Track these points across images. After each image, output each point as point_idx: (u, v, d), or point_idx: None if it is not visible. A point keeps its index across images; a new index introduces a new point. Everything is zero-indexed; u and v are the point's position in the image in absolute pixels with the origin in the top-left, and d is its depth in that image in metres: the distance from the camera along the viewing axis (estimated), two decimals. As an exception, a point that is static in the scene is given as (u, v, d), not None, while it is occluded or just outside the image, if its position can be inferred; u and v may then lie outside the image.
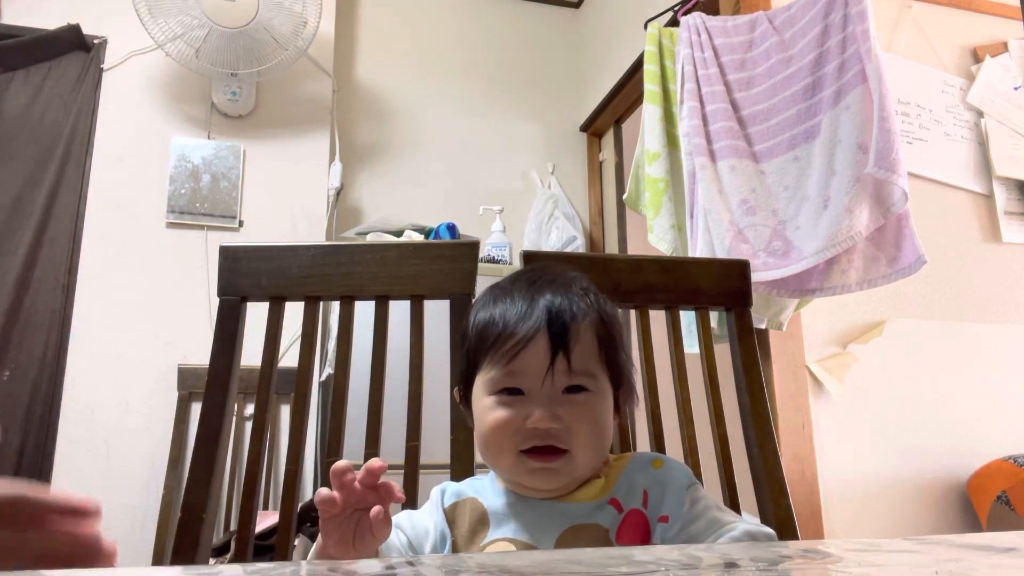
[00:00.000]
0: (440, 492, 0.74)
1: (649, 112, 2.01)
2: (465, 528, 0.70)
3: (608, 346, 0.68)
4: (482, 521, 0.69)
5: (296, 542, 1.60)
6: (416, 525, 0.71)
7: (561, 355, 0.64)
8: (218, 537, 1.98)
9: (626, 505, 0.66)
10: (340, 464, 0.58)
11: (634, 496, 0.67)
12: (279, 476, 2.23)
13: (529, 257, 1.01)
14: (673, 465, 0.70)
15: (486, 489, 0.72)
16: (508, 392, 0.66)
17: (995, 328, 2.11)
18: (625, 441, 0.94)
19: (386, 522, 0.57)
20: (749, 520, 0.68)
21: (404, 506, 0.89)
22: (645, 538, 0.65)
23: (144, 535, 2.10)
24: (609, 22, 3.11)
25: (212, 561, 1.53)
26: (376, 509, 0.57)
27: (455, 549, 0.69)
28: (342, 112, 2.86)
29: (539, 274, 0.72)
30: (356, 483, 0.57)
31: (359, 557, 0.58)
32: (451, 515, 0.71)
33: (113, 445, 2.23)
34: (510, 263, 2.67)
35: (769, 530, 0.65)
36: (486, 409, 0.67)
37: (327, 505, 0.58)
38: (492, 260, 2.68)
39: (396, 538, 0.70)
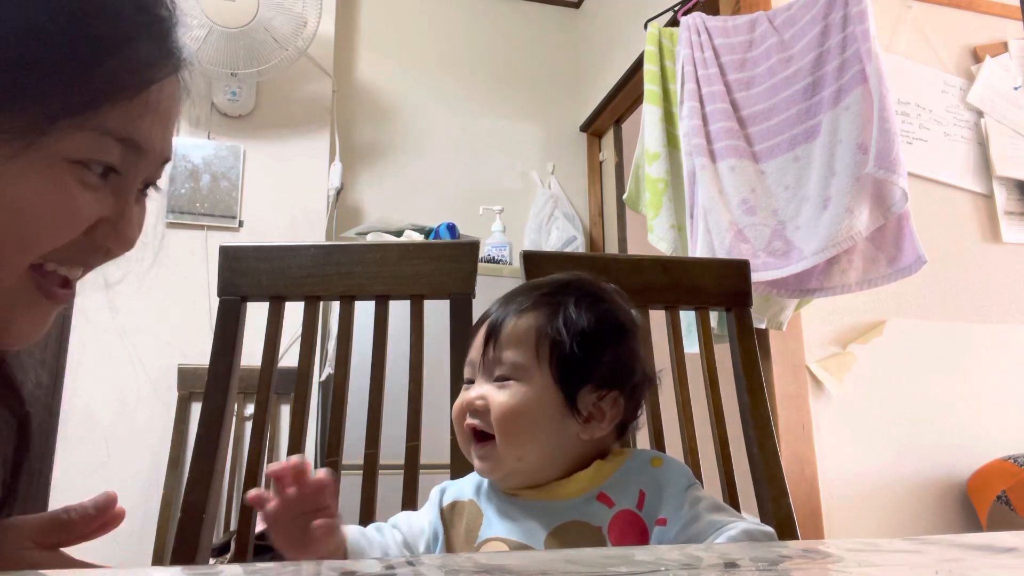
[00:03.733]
0: (439, 492, 0.75)
1: (649, 112, 2.01)
2: (462, 528, 0.70)
3: (556, 350, 0.69)
4: (477, 521, 0.70)
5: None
6: (412, 524, 0.73)
7: (491, 344, 0.71)
8: (218, 537, 1.98)
9: (618, 502, 0.66)
10: (273, 468, 0.61)
11: (628, 495, 0.66)
12: (279, 476, 2.22)
13: (529, 257, 1.01)
14: (672, 465, 0.70)
15: (483, 488, 0.73)
16: (466, 381, 0.74)
17: (995, 328, 2.11)
18: (625, 441, 0.94)
19: (328, 533, 0.61)
20: (749, 520, 0.68)
21: (403, 507, 0.90)
22: (641, 540, 0.64)
23: (144, 535, 2.10)
24: (609, 22, 3.11)
25: (212, 561, 1.53)
26: (317, 523, 0.60)
27: (449, 548, 0.70)
28: (342, 112, 2.86)
29: (534, 281, 0.77)
30: (288, 490, 0.60)
31: (315, 557, 0.61)
32: (448, 515, 0.72)
33: (113, 445, 2.23)
34: (510, 263, 2.67)
35: (769, 529, 0.65)
36: None
37: (262, 515, 0.61)
38: (492, 260, 2.68)
39: (391, 537, 0.71)
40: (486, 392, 0.69)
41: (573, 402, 0.69)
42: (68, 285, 0.55)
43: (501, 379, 0.69)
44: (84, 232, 0.52)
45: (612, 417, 0.71)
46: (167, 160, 0.57)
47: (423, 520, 0.73)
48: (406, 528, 0.72)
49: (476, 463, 0.70)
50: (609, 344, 0.71)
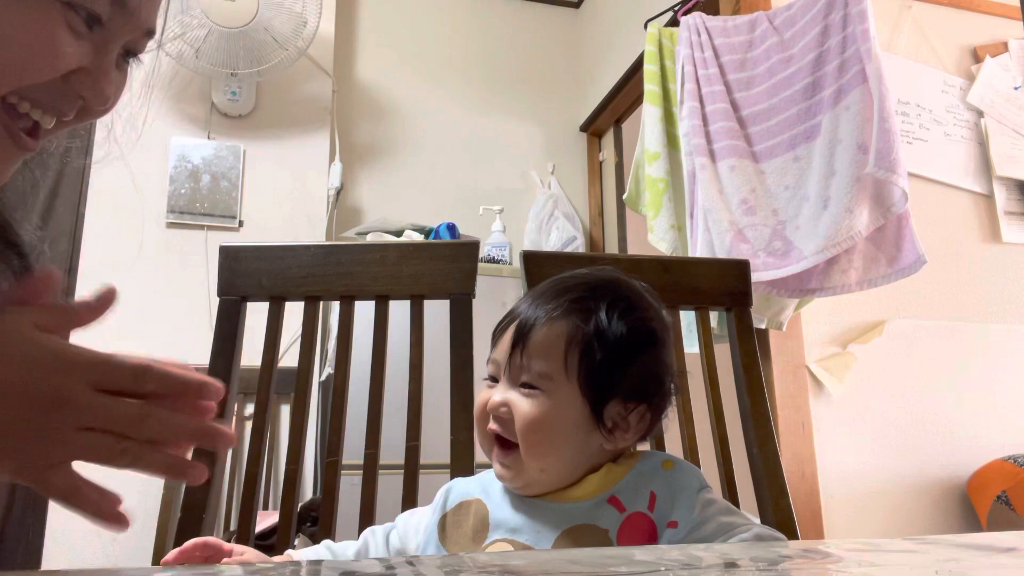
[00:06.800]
0: (444, 493, 0.74)
1: (649, 112, 2.01)
2: (469, 527, 0.70)
3: (585, 362, 0.67)
4: (484, 521, 0.69)
5: (296, 542, 1.60)
6: (408, 523, 0.74)
7: (519, 349, 0.69)
8: (218, 537, 1.98)
9: (629, 506, 0.65)
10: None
11: (639, 498, 0.66)
12: (279, 476, 2.23)
13: (529, 257, 1.01)
14: (684, 468, 0.69)
15: (492, 487, 0.72)
16: (489, 378, 0.72)
17: (995, 328, 2.11)
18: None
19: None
20: (760, 524, 0.67)
21: (403, 507, 0.90)
22: (651, 542, 0.64)
23: (144, 535, 2.10)
24: (609, 22, 3.11)
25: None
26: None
27: (453, 548, 0.70)
28: (342, 112, 2.86)
29: (565, 279, 0.75)
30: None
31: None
32: (453, 518, 0.71)
33: (113, 445, 2.23)
34: (510, 263, 2.67)
35: (781, 535, 0.64)
36: None
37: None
38: (492, 260, 2.68)
39: (374, 539, 0.74)
40: (511, 400, 0.68)
41: (599, 414, 0.68)
42: (36, 134, 0.55)
43: (527, 386, 0.68)
44: (62, 77, 0.52)
45: (638, 429, 0.70)
46: (151, 32, 0.57)
47: (420, 520, 0.73)
48: (402, 527, 0.74)
49: (497, 468, 0.70)
50: (639, 356, 0.69)
